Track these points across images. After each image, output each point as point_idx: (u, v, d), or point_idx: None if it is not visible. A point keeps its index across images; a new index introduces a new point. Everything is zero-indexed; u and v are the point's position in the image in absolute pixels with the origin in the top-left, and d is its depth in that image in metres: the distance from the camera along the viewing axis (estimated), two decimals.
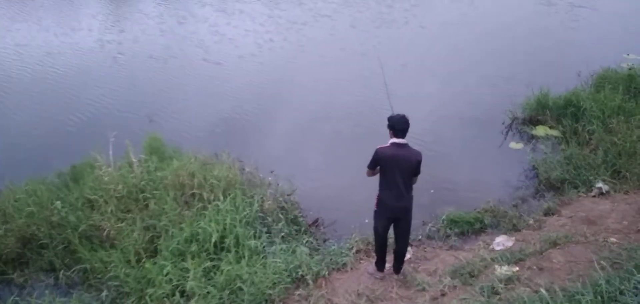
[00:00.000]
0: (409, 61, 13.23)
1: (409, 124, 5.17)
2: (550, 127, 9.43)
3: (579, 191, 7.31)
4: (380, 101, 10.79)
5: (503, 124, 10.03)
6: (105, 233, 6.54)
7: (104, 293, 5.73)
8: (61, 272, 6.19)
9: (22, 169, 8.21)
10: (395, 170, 5.13)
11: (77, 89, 12.02)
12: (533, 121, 9.79)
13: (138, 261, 6.09)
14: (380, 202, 5.31)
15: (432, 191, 7.93)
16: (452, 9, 17.36)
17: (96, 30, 16.19)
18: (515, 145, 9.26)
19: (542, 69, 12.06)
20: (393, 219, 5.37)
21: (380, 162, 5.22)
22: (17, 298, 5.76)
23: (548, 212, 6.95)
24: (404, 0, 18.45)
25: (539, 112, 9.77)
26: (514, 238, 6.31)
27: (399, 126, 5.12)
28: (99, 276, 5.99)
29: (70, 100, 11.48)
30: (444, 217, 7.04)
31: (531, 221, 6.75)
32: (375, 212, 5.42)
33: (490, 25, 16.09)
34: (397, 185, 5.15)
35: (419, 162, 5.18)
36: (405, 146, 5.16)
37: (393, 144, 5.16)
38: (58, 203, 6.66)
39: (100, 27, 16.53)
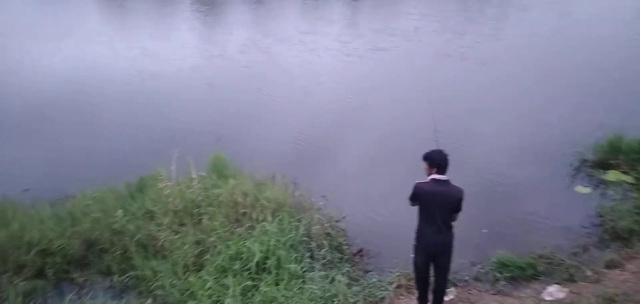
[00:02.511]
0: (473, 96, 12.89)
1: (447, 160, 5.09)
2: (623, 173, 8.78)
3: None
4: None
5: (571, 165, 9.48)
6: (159, 244, 6.93)
7: (149, 301, 6.04)
8: (116, 276, 6.62)
9: (98, 175, 8.86)
10: (434, 206, 5.05)
11: (142, 109, 12.84)
12: (604, 165, 9.15)
13: (185, 273, 6.39)
14: (418, 236, 5.25)
15: (485, 230, 7.66)
16: (519, 45, 16.70)
17: (164, 54, 17.06)
18: (582, 189, 8.69)
19: (619, 110, 11.27)
20: (432, 254, 5.25)
21: (419, 197, 5.16)
22: (74, 297, 6.21)
23: (610, 265, 6.45)
24: (464, 36, 17.88)
25: (611, 155, 9.12)
26: (567, 290, 5.93)
27: (437, 161, 5.05)
28: (149, 284, 6.34)
29: (138, 118, 12.29)
30: (494, 259, 6.74)
31: (589, 273, 6.30)
32: (414, 246, 5.35)
33: (561, 59, 15.33)
34: (435, 221, 5.06)
35: (459, 200, 5.05)
36: (445, 182, 5.06)
37: (433, 180, 5.08)
38: (120, 212, 7.15)
39: (168, 51, 17.44)
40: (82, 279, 6.74)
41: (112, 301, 6.23)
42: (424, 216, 5.15)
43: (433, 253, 5.22)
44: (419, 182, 5.14)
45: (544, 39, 17.44)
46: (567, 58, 15.56)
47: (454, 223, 5.20)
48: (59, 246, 6.90)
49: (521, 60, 15.37)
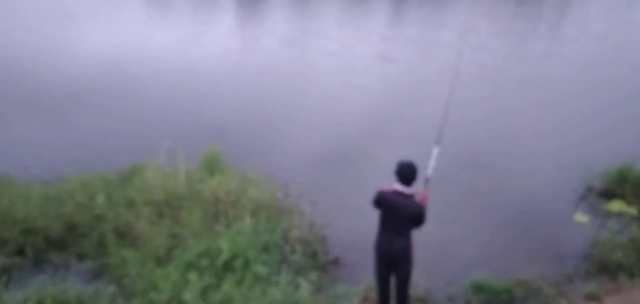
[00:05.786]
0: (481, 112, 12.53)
1: (414, 174, 4.98)
2: (628, 204, 8.35)
3: (634, 281, 6.36)
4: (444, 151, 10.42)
5: (576, 192, 9.07)
6: (136, 233, 6.99)
7: (111, 288, 6.10)
8: (90, 261, 6.71)
9: (99, 160, 8.99)
10: (391, 215, 5.04)
11: (158, 97, 13.04)
12: (610, 194, 8.73)
13: (155, 265, 6.41)
14: (375, 243, 5.25)
15: (472, 251, 7.43)
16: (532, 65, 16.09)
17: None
18: (581, 217, 8.30)
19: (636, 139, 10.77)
20: (387, 262, 5.16)
21: (379, 204, 5.13)
22: (48, 277, 6.29)
23: (589, 297, 6.15)
24: (479, 52, 17.22)
25: (619, 185, 8.69)
26: None
27: (403, 174, 4.95)
28: (117, 271, 6.39)
29: (147, 108, 12.49)
30: (469, 281, 6.51)
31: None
32: (374, 253, 5.27)
33: (584, 82, 14.75)
34: (390, 229, 5.05)
35: (418, 215, 4.96)
36: (408, 196, 4.97)
37: (395, 191, 5.00)
38: (100, 196, 7.26)
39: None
40: (60, 260, 6.85)
41: (82, 285, 6.29)
42: (382, 223, 5.15)
43: (388, 260, 5.14)
44: (382, 189, 5.11)
45: (566, 60, 16.81)
46: (591, 81, 14.95)
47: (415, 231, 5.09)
48: (42, 225, 7.03)
49: (542, 80, 14.87)
